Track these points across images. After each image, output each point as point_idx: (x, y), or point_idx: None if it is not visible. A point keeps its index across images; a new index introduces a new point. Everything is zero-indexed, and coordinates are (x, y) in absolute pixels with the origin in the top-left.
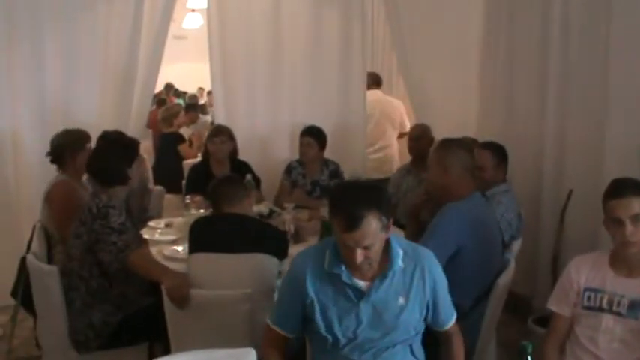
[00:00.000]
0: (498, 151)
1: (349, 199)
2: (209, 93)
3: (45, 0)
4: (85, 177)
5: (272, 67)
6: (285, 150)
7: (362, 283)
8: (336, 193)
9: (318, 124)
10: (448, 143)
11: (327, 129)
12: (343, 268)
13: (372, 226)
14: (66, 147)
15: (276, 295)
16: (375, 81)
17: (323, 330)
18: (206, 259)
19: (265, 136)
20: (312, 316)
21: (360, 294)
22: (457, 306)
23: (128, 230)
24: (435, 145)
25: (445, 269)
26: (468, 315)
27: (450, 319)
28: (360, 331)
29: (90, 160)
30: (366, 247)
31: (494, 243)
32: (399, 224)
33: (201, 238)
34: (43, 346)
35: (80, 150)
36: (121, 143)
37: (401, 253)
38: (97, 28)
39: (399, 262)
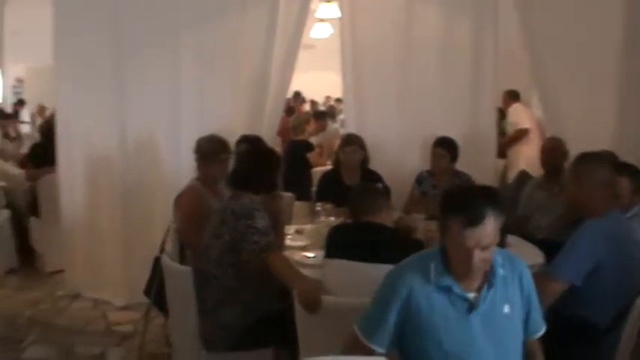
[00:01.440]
0: (636, 176)
1: (470, 196)
2: (336, 101)
3: (182, 6)
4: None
5: (403, 77)
6: (415, 160)
7: (470, 295)
8: (454, 193)
9: (448, 134)
10: (586, 157)
11: (457, 139)
12: (452, 279)
13: (492, 225)
14: (205, 153)
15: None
16: (514, 96)
17: (430, 347)
18: (340, 266)
19: (395, 146)
20: (416, 333)
21: (470, 305)
22: (593, 325)
23: (270, 234)
24: (573, 159)
25: (583, 285)
26: (603, 338)
27: (539, 330)
28: (472, 345)
29: (238, 165)
30: (484, 248)
31: (635, 262)
32: (531, 239)
33: (337, 244)
34: (173, 344)
35: (215, 160)
36: (266, 153)
37: (500, 260)
38: (231, 35)
39: (500, 270)
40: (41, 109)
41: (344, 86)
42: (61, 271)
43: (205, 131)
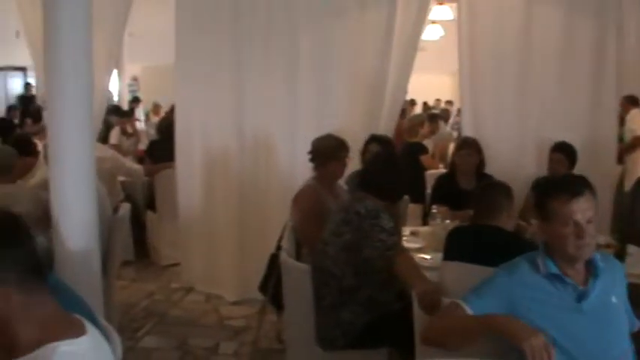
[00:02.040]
0: None
1: (562, 177)
2: (447, 103)
3: (301, 6)
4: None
5: (521, 80)
6: (531, 165)
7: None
8: (546, 179)
9: (566, 139)
10: None
11: (575, 144)
12: (559, 270)
13: (591, 198)
14: (321, 152)
15: None
16: (633, 101)
17: None
18: (459, 269)
19: (512, 151)
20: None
21: (580, 295)
22: None
23: (395, 234)
24: None
25: None
26: None
27: (632, 327)
28: (582, 334)
29: (369, 167)
30: (589, 222)
31: None
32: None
33: (456, 247)
34: (287, 341)
35: (334, 159)
36: (399, 159)
37: (599, 255)
38: (350, 35)
39: (600, 264)
40: (156, 108)
41: (461, 90)
42: (176, 264)
43: (322, 131)
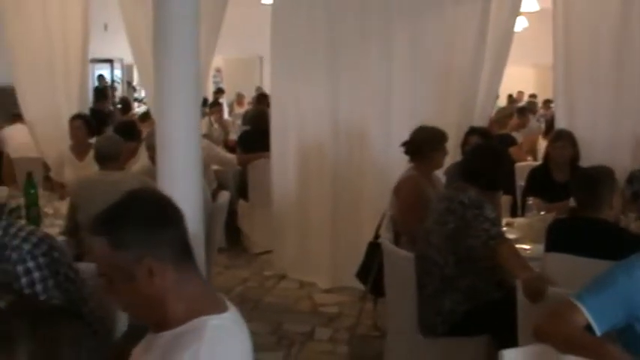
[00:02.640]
0: None
1: None
2: (530, 97)
3: (395, 1)
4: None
5: (617, 72)
6: (626, 159)
7: None
8: None
9: None
10: None
11: None
12: None
13: None
14: (423, 143)
15: None
16: None
17: None
18: (563, 260)
19: (606, 145)
20: None
21: None
22: None
23: (499, 224)
24: None
25: None
26: None
27: None
28: None
29: (471, 158)
30: None
31: None
32: None
33: (559, 238)
34: (388, 328)
35: (436, 149)
36: (502, 152)
37: None
38: (444, 28)
39: None
40: (239, 98)
41: (554, 83)
42: (268, 252)
43: (415, 123)
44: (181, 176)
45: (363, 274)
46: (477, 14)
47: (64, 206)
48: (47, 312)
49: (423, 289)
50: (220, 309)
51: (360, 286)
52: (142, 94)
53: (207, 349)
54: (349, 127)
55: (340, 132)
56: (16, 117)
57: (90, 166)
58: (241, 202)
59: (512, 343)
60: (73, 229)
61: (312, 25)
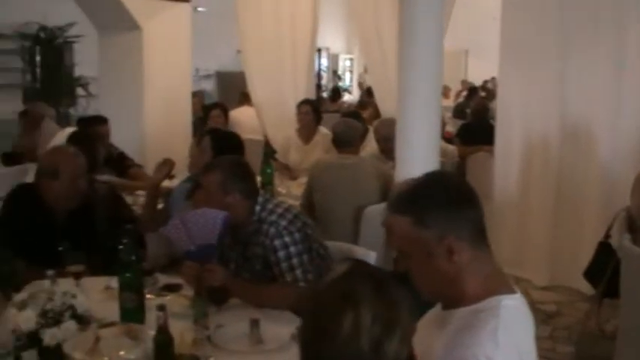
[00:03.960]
0: None
1: None
2: None
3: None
4: None
5: None
6: None
7: None
8: None
9: None
10: None
11: None
12: None
13: None
14: None
15: None
16: None
17: None
18: None
19: None
20: None
21: None
22: None
23: None
24: None
25: None
26: None
27: None
28: None
29: None
30: None
31: None
32: None
33: None
34: (619, 332)
35: None
36: None
37: None
38: None
39: None
40: (446, 90)
41: None
42: None
43: None
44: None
45: (592, 274)
46: None
47: (294, 186)
48: (385, 277)
49: None
50: (511, 289)
51: (579, 286)
52: (347, 82)
53: (504, 328)
54: (576, 123)
55: (566, 128)
56: (244, 99)
57: (315, 150)
58: None
59: None
60: (307, 208)
61: (541, 19)
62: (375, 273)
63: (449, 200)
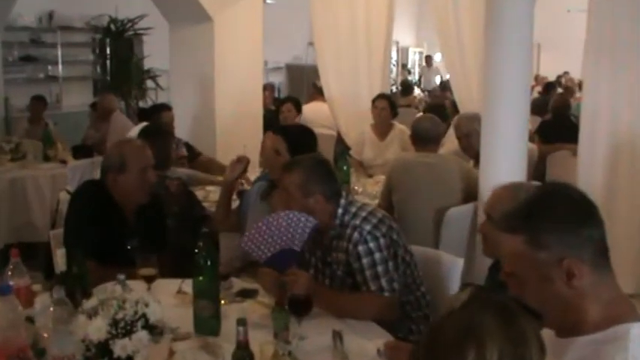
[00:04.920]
0: None
1: None
2: None
3: None
4: None
5: None
6: None
7: None
8: None
9: None
10: None
11: None
12: None
13: None
14: None
15: None
16: None
17: None
18: None
19: None
20: None
21: None
22: None
23: None
24: None
25: None
26: None
27: None
28: None
29: None
30: None
31: None
32: None
33: None
34: None
35: None
36: None
37: None
38: None
39: None
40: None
41: None
42: None
43: None
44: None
45: None
46: None
47: (369, 184)
48: (510, 306)
49: None
50: (638, 316)
51: None
52: (416, 76)
53: None
54: None
55: None
56: (315, 93)
57: (391, 147)
58: None
59: None
60: (386, 209)
61: (635, 13)
62: (499, 302)
63: (568, 216)
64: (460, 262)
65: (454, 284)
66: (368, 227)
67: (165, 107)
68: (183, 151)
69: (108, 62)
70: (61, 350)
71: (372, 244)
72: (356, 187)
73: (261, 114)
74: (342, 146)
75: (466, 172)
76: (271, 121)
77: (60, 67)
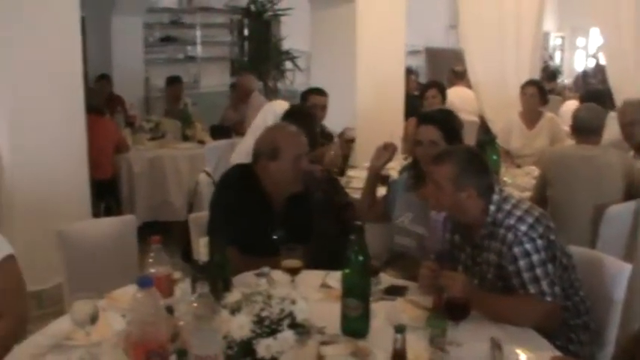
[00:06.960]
0: None
1: None
2: None
3: None
4: None
5: None
6: None
7: None
8: None
9: None
10: None
11: None
12: None
13: None
14: None
15: None
16: None
17: None
18: None
19: None
20: None
21: None
22: None
23: None
24: None
25: None
26: None
27: None
28: None
29: None
30: None
31: None
32: None
33: None
34: None
35: None
36: None
37: None
38: None
39: None
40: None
41: None
42: None
43: None
44: None
45: None
46: None
47: (520, 175)
48: None
49: None
50: None
51: None
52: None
53: None
54: None
55: None
56: (454, 78)
57: (540, 136)
58: None
59: None
60: (539, 204)
61: None
62: None
63: None
64: (627, 268)
65: (619, 290)
66: (524, 228)
67: (320, 92)
68: None
69: (246, 43)
70: (204, 350)
71: (528, 246)
72: (505, 179)
73: (402, 99)
74: (488, 134)
75: (629, 167)
76: (414, 107)
77: (199, 47)
